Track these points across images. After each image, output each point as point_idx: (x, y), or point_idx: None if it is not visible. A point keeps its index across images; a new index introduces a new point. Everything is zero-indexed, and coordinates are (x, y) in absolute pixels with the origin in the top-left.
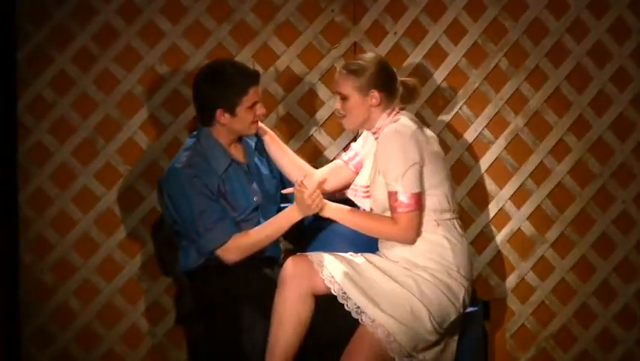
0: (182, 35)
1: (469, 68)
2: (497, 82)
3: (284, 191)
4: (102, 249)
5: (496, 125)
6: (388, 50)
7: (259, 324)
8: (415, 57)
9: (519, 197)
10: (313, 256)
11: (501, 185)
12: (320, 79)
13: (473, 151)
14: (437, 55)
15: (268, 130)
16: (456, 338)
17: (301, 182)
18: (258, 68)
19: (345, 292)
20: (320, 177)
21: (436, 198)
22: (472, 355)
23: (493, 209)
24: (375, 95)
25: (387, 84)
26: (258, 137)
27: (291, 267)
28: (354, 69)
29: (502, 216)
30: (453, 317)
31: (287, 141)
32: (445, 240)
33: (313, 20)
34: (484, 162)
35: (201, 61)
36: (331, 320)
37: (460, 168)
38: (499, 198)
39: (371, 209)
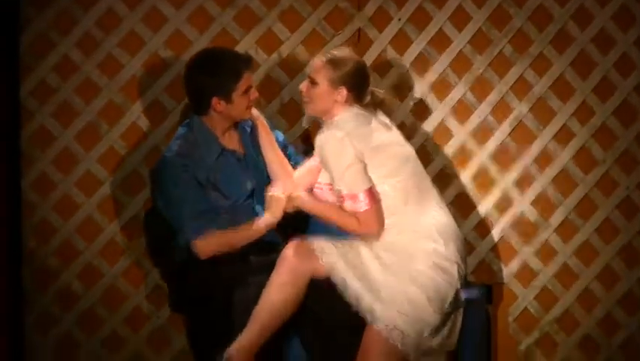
0: (185, 21)
1: (473, 55)
2: (501, 68)
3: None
4: (105, 233)
5: (500, 111)
6: (392, 36)
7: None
8: (420, 43)
9: (523, 182)
10: (315, 241)
11: (505, 170)
12: None
13: (477, 136)
14: (441, 41)
15: (262, 118)
16: (460, 318)
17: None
18: (262, 54)
19: (344, 280)
20: (292, 187)
21: (399, 184)
22: (475, 339)
23: (496, 194)
24: (342, 92)
25: (358, 86)
26: (253, 122)
27: (292, 250)
28: (334, 60)
29: (506, 201)
30: (452, 293)
31: (290, 127)
32: (424, 218)
33: (317, 6)
34: (488, 148)
35: (205, 46)
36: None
37: (463, 154)
38: (503, 183)
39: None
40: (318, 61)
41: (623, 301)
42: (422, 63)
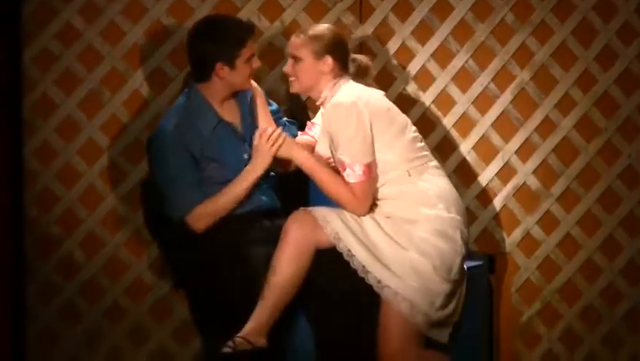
0: None
1: (475, 22)
2: (503, 36)
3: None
4: (107, 201)
5: (502, 79)
6: (394, 3)
7: (260, 278)
8: (421, 11)
9: (524, 151)
10: (318, 211)
11: (507, 139)
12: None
13: (479, 105)
14: (443, 8)
15: (259, 89)
16: (464, 288)
17: (261, 131)
18: (264, 21)
19: (349, 250)
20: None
21: (398, 150)
22: (478, 309)
23: (498, 163)
24: (328, 62)
25: (341, 54)
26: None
27: (295, 220)
28: (313, 34)
29: (508, 171)
30: (458, 260)
31: (291, 96)
32: (423, 184)
33: None
34: (490, 116)
35: (207, 14)
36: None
37: (465, 122)
38: (505, 152)
39: None
40: (296, 39)
41: (625, 271)
42: (424, 31)
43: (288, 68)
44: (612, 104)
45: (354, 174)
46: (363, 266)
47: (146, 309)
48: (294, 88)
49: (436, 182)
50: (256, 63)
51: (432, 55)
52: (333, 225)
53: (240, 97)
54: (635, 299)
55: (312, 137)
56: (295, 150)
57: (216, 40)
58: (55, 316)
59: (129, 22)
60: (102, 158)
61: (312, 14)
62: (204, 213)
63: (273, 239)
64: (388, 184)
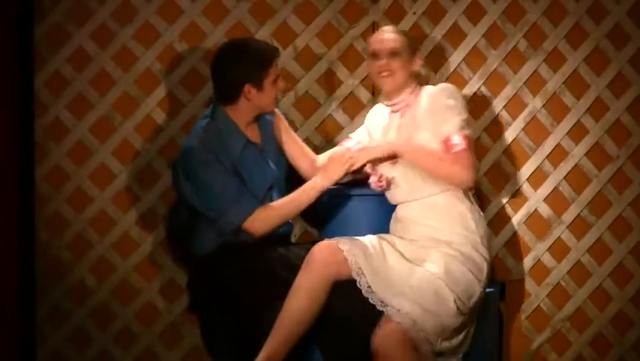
0: (201, 13)
1: (487, 49)
2: (516, 63)
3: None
4: (118, 226)
5: (515, 106)
6: (407, 29)
7: (275, 307)
8: (434, 37)
9: (536, 178)
10: (342, 243)
11: (519, 166)
12: (338, 58)
13: (491, 131)
14: (456, 35)
15: (278, 112)
16: (474, 323)
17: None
18: (277, 46)
19: (370, 287)
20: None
21: None
22: (488, 336)
23: (510, 190)
24: (418, 61)
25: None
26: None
27: (320, 252)
28: (403, 31)
29: (520, 197)
30: (477, 293)
31: (305, 120)
32: (467, 210)
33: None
34: (502, 143)
35: (220, 39)
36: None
37: (478, 149)
38: (517, 179)
39: (393, 178)
40: (390, 31)
41: (635, 299)
42: (436, 57)
43: (382, 63)
44: (624, 132)
45: (458, 142)
46: (382, 301)
47: (156, 334)
48: (389, 84)
49: (478, 211)
50: (282, 84)
51: (444, 81)
52: (355, 258)
53: (261, 120)
54: None
55: (348, 150)
56: (399, 146)
57: (244, 62)
58: (65, 341)
59: (142, 47)
60: (114, 183)
61: (324, 40)
62: (263, 218)
63: (288, 265)
64: (444, 196)
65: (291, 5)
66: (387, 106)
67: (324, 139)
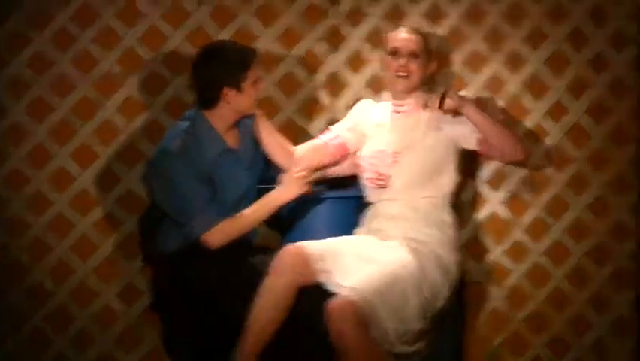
0: (161, 17)
1: (448, 52)
2: (476, 66)
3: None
4: (77, 229)
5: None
6: (367, 32)
7: (237, 310)
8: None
9: (495, 180)
10: (309, 247)
11: (477, 168)
12: (299, 61)
13: None
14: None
15: (259, 112)
16: (434, 331)
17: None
18: None
19: (338, 283)
20: (310, 160)
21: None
22: (447, 337)
23: (470, 192)
24: (434, 65)
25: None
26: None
27: (287, 257)
28: (424, 32)
29: (479, 200)
30: (442, 298)
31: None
32: (447, 218)
33: (292, 2)
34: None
35: (180, 42)
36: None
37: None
38: (476, 181)
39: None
40: (413, 33)
41: (593, 300)
42: None
43: (401, 62)
44: (583, 134)
45: None
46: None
47: (115, 337)
48: (403, 85)
49: (454, 220)
50: (262, 85)
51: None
52: (323, 261)
53: (241, 125)
54: (602, 329)
55: (325, 143)
56: (473, 108)
57: (222, 65)
58: (24, 343)
59: (102, 51)
60: (73, 186)
61: (285, 43)
62: (222, 232)
63: (250, 271)
64: (429, 200)
65: (251, 8)
66: (394, 105)
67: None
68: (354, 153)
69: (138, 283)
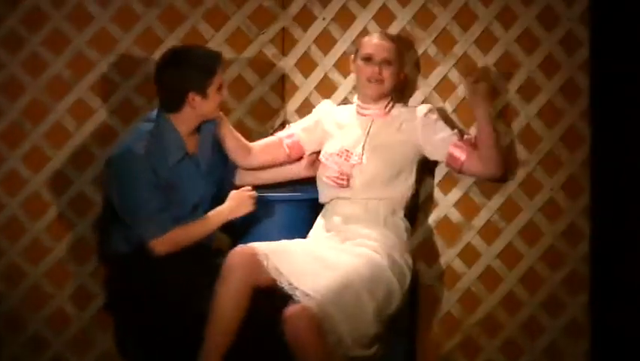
0: (110, 20)
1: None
2: (426, 68)
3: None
4: (29, 233)
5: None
6: (317, 35)
7: (190, 311)
8: (344, 43)
9: (446, 184)
10: (258, 247)
11: (429, 172)
12: (248, 64)
13: None
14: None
15: (224, 117)
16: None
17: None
18: None
19: (291, 283)
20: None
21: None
22: (400, 341)
23: (421, 195)
24: (403, 73)
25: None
26: (215, 124)
27: (235, 258)
28: (395, 39)
29: (430, 203)
30: (397, 302)
31: None
32: (402, 222)
33: (242, 5)
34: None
35: (129, 45)
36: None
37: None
38: (427, 184)
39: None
40: (386, 40)
41: (546, 304)
42: (346, 63)
43: (375, 70)
44: (534, 136)
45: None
46: (307, 295)
47: (67, 340)
48: (375, 91)
49: (408, 225)
50: (225, 92)
51: (354, 86)
52: (272, 259)
53: (203, 130)
54: (556, 333)
55: (280, 140)
56: (486, 106)
57: (187, 71)
58: None
59: (51, 54)
60: (24, 189)
61: (234, 46)
62: (171, 240)
63: (204, 273)
64: (387, 202)
65: (201, 11)
66: (359, 107)
67: None
68: (309, 154)
69: (91, 285)
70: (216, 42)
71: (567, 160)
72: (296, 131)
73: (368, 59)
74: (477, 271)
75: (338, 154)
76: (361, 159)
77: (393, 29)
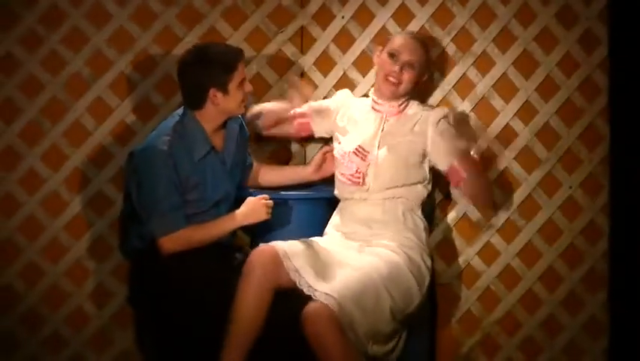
0: (129, 18)
1: None
2: (446, 68)
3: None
4: (48, 231)
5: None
6: (336, 33)
7: (210, 309)
8: (362, 41)
9: None
10: (279, 246)
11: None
12: (267, 62)
13: None
14: (385, 39)
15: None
16: (406, 332)
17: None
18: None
19: (310, 285)
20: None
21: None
22: (419, 339)
23: (439, 194)
24: (425, 78)
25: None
26: (242, 123)
27: (257, 258)
28: (426, 43)
29: (449, 201)
30: (416, 302)
31: None
32: (420, 222)
33: (260, 4)
34: None
35: (148, 44)
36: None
37: None
38: (446, 183)
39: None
40: (415, 43)
41: (565, 302)
42: (364, 61)
43: (395, 69)
44: (553, 135)
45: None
46: (327, 294)
47: (86, 339)
48: (391, 91)
49: (426, 224)
50: (248, 87)
51: (373, 85)
52: (292, 260)
53: (228, 127)
54: (574, 331)
55: (293, 116)
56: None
57: (207, 67)
58: None
59: (70, 52)
60: (43, 187)
61: (253, 45)
62: (180, 239)
63: (225, 271)
64: (404, 201)
65: (219, 10)
66: (376, 103)
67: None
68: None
69: (109, 284)
70: (235, 41)
71: (586, 158)
72: (309, 112)
73: (393, 55)
74: (496, 270)
75: (354, 152)
76: (376, 157)
77: (412, 28)
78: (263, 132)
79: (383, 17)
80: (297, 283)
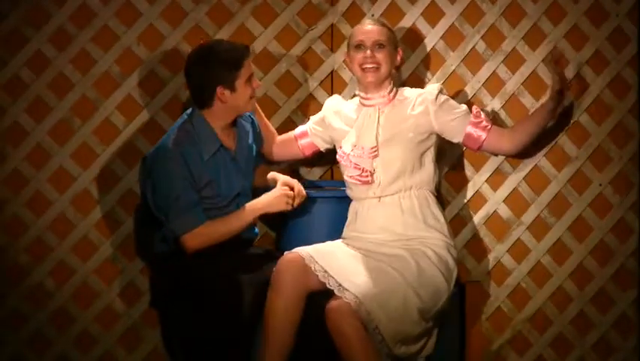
0: (159, 16)
1: (446, 51)
2: (474, 65)
3: (268, 176)
4: (78, 229)
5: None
6: None
7: (235, 309)
8: None
9: (495, 180)
10: (303, 251)
11: (478, 167)
12: (297, 60)
13: None
14: (414, 37)
15: (260, 110)
16: (436, 331)
17: (285, 182)
18: None
19: (340, 285)
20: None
21: (436, 169)
22: (449, 337)
23: (469, 191)
24: (400, 54)
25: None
26: (253, 119)
27: (284, 266)
28: (383, 21)
29: (479, 199)
30: (444, 299)
31: None
32: (439, 213)
33: (291, 1)
34: (460, 147)
35: (178, 41)
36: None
37: (438, 151)
38: (476, 180)
39: (373, 170)
40: (375, 24)
41: (596, 299)
42: None
43: (367, 54)
44: (583, 132)
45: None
46: (356, 297)
47: (116, 337)
48: (373, 76)
49: (446, 217)
50: (256, 83)
51: (403, 83)
52: (319, 263)
53: (239, 126)
54: (605, 328)
55: (296, 137)
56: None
57: (213, 65)
58: (24, 344)
59: (100, 50)
60: (73, 186)
61: (283, 42)
62: (202, 235)
63: (248, 270)
64: (416, 193)
65: (249, 8)
66: (365, 99)
67: None
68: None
69: (139, 283)
70: (265, 39)
71: (616, 155)
72: (308, 130)
73: (359, 45)
74: (526, 267)
75: (353, 152)
76: (378, 151)
77: (442, 26)
78: (273, 158)
79: (413, 15)
80: (327, 283)
